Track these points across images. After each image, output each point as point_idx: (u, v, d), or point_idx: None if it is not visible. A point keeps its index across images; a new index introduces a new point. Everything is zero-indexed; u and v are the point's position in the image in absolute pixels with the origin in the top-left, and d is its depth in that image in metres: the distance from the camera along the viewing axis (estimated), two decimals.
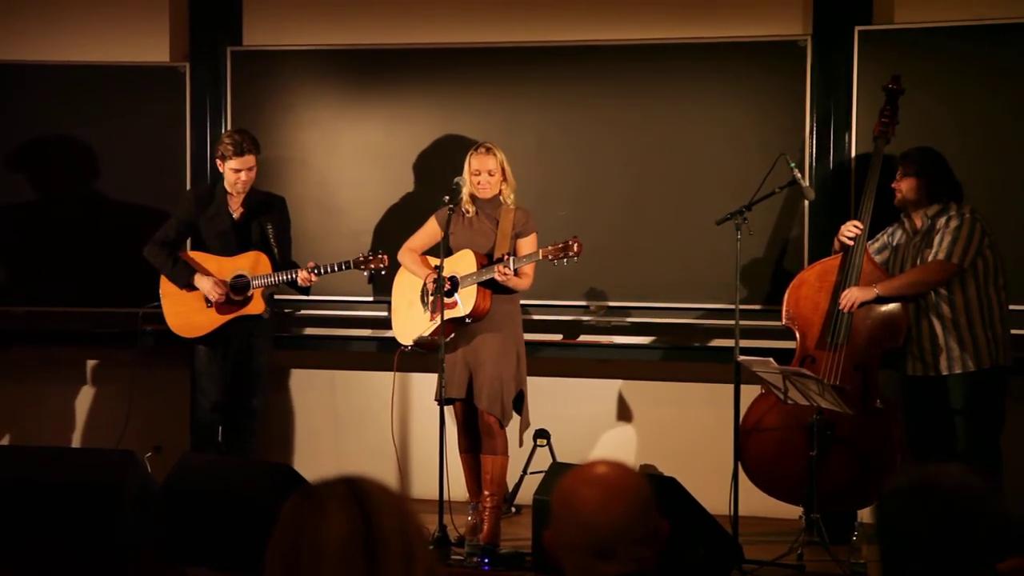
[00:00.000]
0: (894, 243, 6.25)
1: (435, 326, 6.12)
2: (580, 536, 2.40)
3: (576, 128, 7.04)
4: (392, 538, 1.99)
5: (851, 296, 6.09)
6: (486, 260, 6.14)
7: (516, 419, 6.26)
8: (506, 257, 6.04)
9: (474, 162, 6.17)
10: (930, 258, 6.02)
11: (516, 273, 6.05)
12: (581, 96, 7.03)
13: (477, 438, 6.21)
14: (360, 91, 7.33)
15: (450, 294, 6.09)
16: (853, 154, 6.64)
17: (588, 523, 2.39)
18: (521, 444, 6.33)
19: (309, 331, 7.50)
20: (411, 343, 6.32)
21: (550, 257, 6.00)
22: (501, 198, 6.21)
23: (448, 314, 6.04)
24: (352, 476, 2.07)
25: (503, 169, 6.18)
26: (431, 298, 6.22)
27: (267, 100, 7.37)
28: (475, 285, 6.08)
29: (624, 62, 6.98)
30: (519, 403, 6.24)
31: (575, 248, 5.97)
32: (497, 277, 6.01)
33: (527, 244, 6.18)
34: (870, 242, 6.25)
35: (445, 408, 6.12)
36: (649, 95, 6.95)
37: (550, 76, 7.07)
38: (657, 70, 6.95)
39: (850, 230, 6.16)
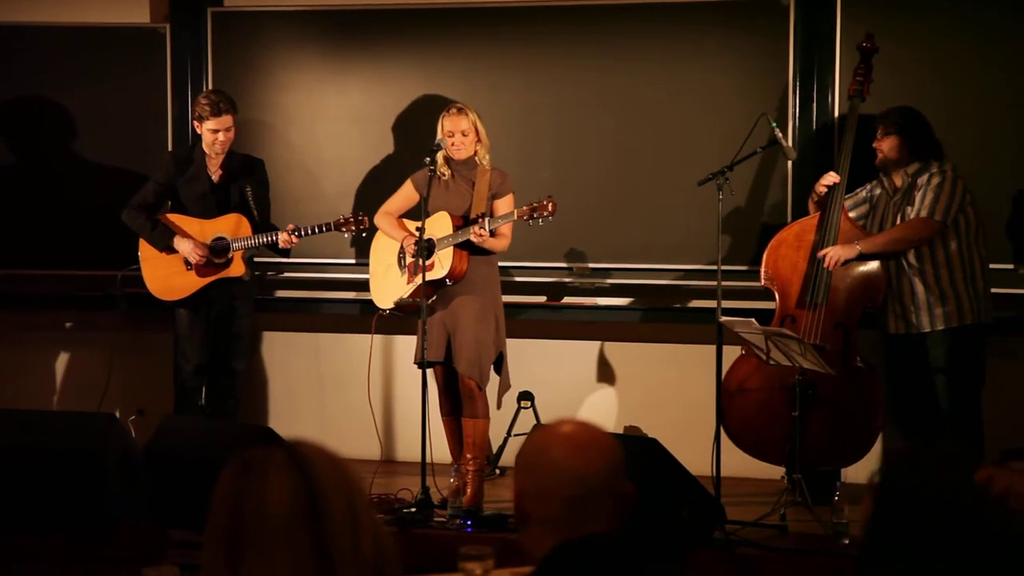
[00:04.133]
0: (873, 201, 6.25)
1: (413, 288, 6.12)
2: (560, 486, 2.38)
3: (557, 89, 7.01)
4: (336, 503, 1.94)
5: (834, 254, 6.08)
6: (461, 222, 6.12)
7: (496, 380, 6.26)
8: (481, 219, 6.02)
9: (447, 123, 6.15)
10: (912, 215, 6.02)
11: (492, 234, 6.03)
12: (562, 57, 6.99)
13: (458, 401, 6.21)
14: (341, 53, 7.29)
15: (427, 256, 6.06)
16: (836, 113, 6.63)
17: (569, 471, 2.38)
18: (499, 407, 6.32)
19: (291, 294, 7.48)
20: (391, 306, 6.31)
21: (525, 217, 5.98)
22: (476, 159, 6.19)
23: (427, 276, 6.02)
24: (291, 441, 2.01)
25: (476, 129, 6.15)
26: (409, 261, 6.20)
27: (248, 62, 7.33)
28: (451, 247, 6.06)
29: (606, 22, 6.94)
30: (499, 365, 6.24)
31: (549, 208, 5.94)
32: (473, 238, 5.99)
33: (503, 205, 6.16)
34: (847, 198, 6.25)
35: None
36: (631, 55, 6.92)
37: (531, 37, 7.03)
38: (639, 30, 6.92)
39: (828, 179, 6.14)
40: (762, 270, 6.34)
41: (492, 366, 6.19)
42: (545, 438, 2.47)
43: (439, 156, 6.15)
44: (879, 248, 6.08)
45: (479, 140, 6.17)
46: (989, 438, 5.99)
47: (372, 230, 6.50)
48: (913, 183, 6.06)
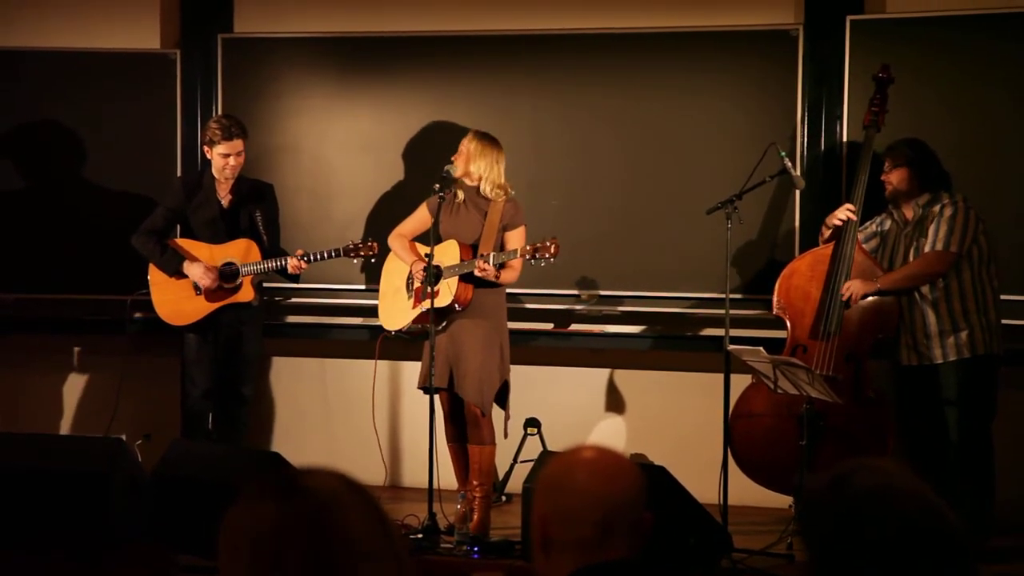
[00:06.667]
0: (883, 234, 6.24)
1: (417, 313, 6.12)
2: (586, 510, 2.35)
3: (568, 117, 7.03)
4: (356, 529, 1.93)
5: (853, 289, 6.07)
6: (470, 251, 6.11)
7: (500, 410, 6.24)
8: (485, 255, 5.99)
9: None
10: (927, 248, 6.01)
11: (501, 266, 6.00)
12: (573, 85, 7.02)
13: (463, 427, 6.19)
14: (351, 79, 7.32)
15: (434, 283, 6.05)
16: (845, 144, 6.64)
17: (595, 496, 2.35)
18: (506, 436, 6.30)
19: (300, 319, 7.49)
20: (398, 329, 6.31)
21: (527, 256, 5.94)
22: (486, 191, 6.19)
23: (434, 303, 6.01)
24: (307, 468, 2.01)
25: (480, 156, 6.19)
26: (416, 286, 6.21)
27: (258, 88, 7.36)
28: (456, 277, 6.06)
29: (617, 51, 6.97)
30: (503, 394, 6.22)
31: (552, 249, 5.85)
32: (477, 274, 5.98)
33: (515, 237, 6.14)
34: (859, 231, 6.24)
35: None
36: (641, 84, 6.94)
37: (542, 64, 7.06)
38: (650, 59, 6.94)
39: (843, 212, 6.14)
40: (774, 299, 6.33)
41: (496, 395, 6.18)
42: (568, 463, 2.44)
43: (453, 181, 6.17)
44: (898, 284, 6.06)
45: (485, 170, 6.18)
46: (999, 469, 5.97)
47: (381, 257, 6.50)
48: (925, 214, 6.05)
